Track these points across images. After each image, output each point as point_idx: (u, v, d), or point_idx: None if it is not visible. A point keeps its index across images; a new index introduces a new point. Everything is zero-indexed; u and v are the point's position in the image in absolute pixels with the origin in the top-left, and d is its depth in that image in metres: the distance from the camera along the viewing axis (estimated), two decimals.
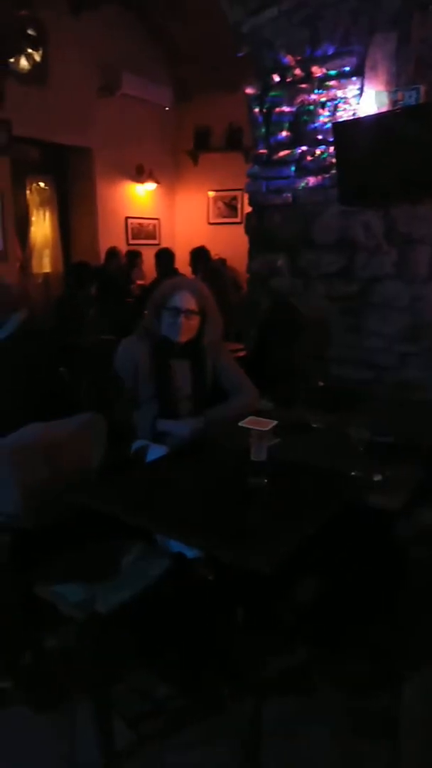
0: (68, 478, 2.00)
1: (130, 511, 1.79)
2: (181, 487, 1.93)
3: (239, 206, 7.72)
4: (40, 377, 2.17)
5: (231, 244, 7.46)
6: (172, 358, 2.63)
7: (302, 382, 2.80)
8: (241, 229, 7.43)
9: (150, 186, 7.71)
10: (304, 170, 3.11)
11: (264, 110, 3.12)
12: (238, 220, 7.73)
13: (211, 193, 7.93)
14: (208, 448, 2.22)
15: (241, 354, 3.52)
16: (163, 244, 7.62)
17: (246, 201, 7.30)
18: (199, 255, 6.41)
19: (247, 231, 3.42)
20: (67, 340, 2.55)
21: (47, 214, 7.10)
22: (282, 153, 3.17)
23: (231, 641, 2.06)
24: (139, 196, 7.74)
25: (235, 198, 7.75)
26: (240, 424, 1.86)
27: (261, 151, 3.24)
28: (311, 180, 3.08)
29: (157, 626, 2.09)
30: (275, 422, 1.85)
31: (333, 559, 2.11)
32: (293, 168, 3.14)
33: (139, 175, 7.58)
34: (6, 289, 2.36)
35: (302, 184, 3.13)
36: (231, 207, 7.82)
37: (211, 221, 8.01)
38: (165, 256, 6.54)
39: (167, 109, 7.59)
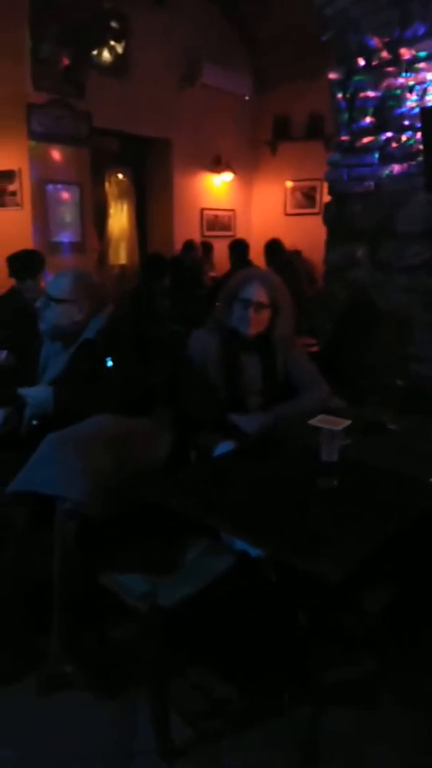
0: (135, 468, 2.00)
1: (195, 506, 1.77)
2: (248, 485, 1.89)
3: (318, 196, 7.56)
4: (125, 371, 2.18)
5: (308, 235, 7.32)
6: (242, 351, 2.59)
7: (379, 380, 2.69)
8: (318, 219, 7.29)
9: (227, 177, 7.68)
10: (388, 157, 2.98)
11: (347, 96, 3.01)
12: (316, 210, 7.57)
13: (289, 184, 7.81)
14: (277, 445, 2.17)
15: (314, 349, 3.43)
16: (239, 236, 7.56)
17: (325, 191, 7.28)
18: (273, 247, 6.33)
19: (326, 221, 3.33)
20: (141, 331, 2.55)
21: (124, 205, 7.21)
22: (365, 140, 3.05)
23: (293, 645, 2.01)
24: (216, 187, 7.72)
25: (313, 188, 7.60)
26: (310, 422, 1.80)
27: (343, 137, 3.13)
28: (396, 167, 2.95)
29: (218, 624, 2.06)
30: (348, 422, 1.78)
31: (405, 568, 2.02)
32: (377, 155, 3.02)
33: (216, 165, 7.56)
34: (96, 286, 2.39)
35: (386, 172, 3.00)
36: (309, 197, 7.67)
37: (288, 212, 7.89)
38: (239, 247, 6.49)
39: (247, 98, 7.52)
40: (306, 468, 1.88)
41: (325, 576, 1.40)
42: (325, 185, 7.11)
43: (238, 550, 1.98)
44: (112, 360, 2.21)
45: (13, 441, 2.28)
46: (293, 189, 7.81)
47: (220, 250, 7.22)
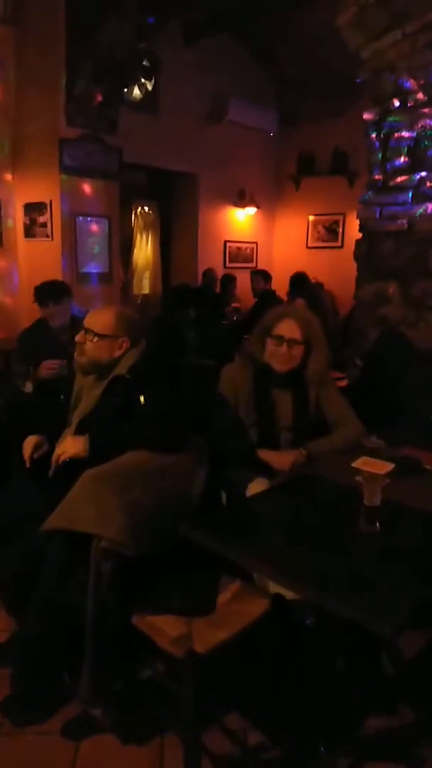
0: (172, 506, 1.97)
1: (231, 547, 1.72)
2: (284, 526, 1.84)
3: (340, 230, 7.61)
4: (158, 409, 2.15)
5: (330, 268, 7.38)
6: (274, 387, 2.57)
7: (412, 418, 2.64)
8: (340, 253, 7.43)
9: (250, 210, 7.76)
10: (422, 196, 2.98)
11: (381, 136, 3.03)
12: (338, 244, 7.62)
13: (311, 217, 7.87)
14: (312, 484, 2.12)
15: (343, 383, 3.39)
16: (261, 268, 7.62)
17: (348, 225, 7.36)
18: (299, 280, 6.35)
19: (357, 258, 3.32)
20: (172, 365, 2.54)
21: (150, 237, 7.30)
22: (399, 179, 3.05)
23: (330, 691, 1.94)
24: (239, 220, 7.80)
25: (336, 222, 7.65)
26: (353, 464, 1.76)
27: (376, 177, 3.14)
28: (430, 207, 2.94)
29: (253, 669, 2.00)
30: (391, 466, 1.74)
31: None
32: (410, 194, 3.02)
33: (241, 199, 7.65)
34: (136, 322, 2.39)
35: (419, 211, 2.99)
36: (331, 231, 7.72)
37: (310, 245, 7.94)
38: (263, 275, 6.56)
39: (272, 134, 7.63)
40: (344, 509, 1.83)
41: (378, 627, 1.34)
42: (348, 219, 7.31)
43: (273, 593, 1.93)
44: (145, 397, 2.19)
45: (46, 470, 2.26)
46: (315, 223, 7.86)
47: (244, 282, 7.27)
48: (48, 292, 3.60)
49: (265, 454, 2.43)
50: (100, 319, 2.29)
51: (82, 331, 2.27)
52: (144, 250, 7.28)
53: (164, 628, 1.80)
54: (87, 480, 1.86)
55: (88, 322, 2.29)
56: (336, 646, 1.96)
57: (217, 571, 1.97)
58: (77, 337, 2.27)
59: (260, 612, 1.88)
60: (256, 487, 2.16)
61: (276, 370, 2.53)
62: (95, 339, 2.25)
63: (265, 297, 6.35)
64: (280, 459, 2.41)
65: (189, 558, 1.93)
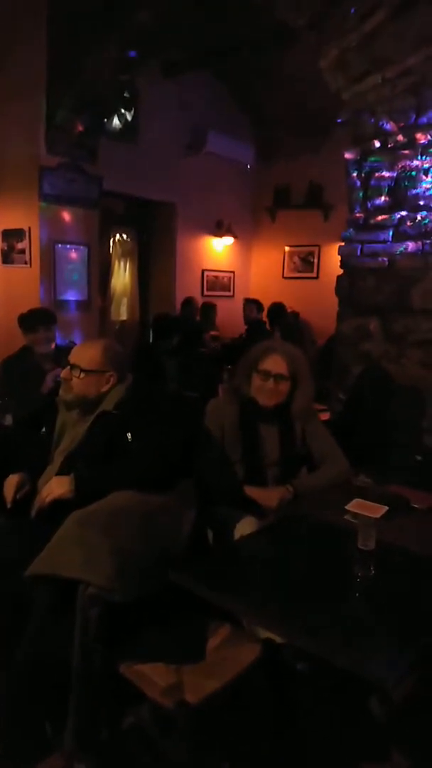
0: (159, 548, 1.91)
1: (221, 594, 1.67)
2: (276, 570, 1.80)
3: (315, 261, 7.71)
4: (146, 446, 2.10)
5: (305, 298, 7.46)
6: (260, 422, 2.54)
7: (397, 454, 2.64)
8: (315, 283, 7.52)
9: (228, 240, 7.82)
10: (402, 235, 3.02)
11: (362, 175, 3.08)
12: (313, 275, 7.72)
13: (287, 248, 7.97)
14: (301, 524, 2.08)
15: (325, 416, 3.39)
16: (238, 296, 7.66)
17: (323, 256, 7.46)
18: (277, 311, 6.40)
19: (338, 293, 3.34)
20: (157, 399, 2.49)
21: (127, 264, 7.29)
22: (380, 217, 3.10)
23: (323, 739, 1.88)
24: (216, 250, 7.85)
25: (311, 253, 7.75)
26: (347, 507, 1.73)
27: (357, 215, 3.18)
28: (410, 245, 2.99)
29: (245, 717, 1.93)
30: (385, 508, 1.72)
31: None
32: (391, 233, 3.06)
33: (218, 229, 7.71)
34: (123, 356, 2.34)
35: (400, 249, 3.03)
36: (307, 262, 7.82)
37: (286, 275, 8.02)
38: (256, 304, 6.60)
39: (249, 167, 7.74)
40: (336, 552, 1.80)
41: (378, 680, 1.30)
42: (324, 251, 7.41)
43: (263, 637, 1.88)
44: (132, 433, 2.13)
45: (28, 511, 2.19)
46: (291, 253, 7.96)
47: (221, 310, 7.29)
48: (38, 319, 3.58)
49: (252, 491, 2.39)
50: (86, 354, 2.23)
51: (68, 368, 2.21)
52: (122, 277, 7.26)
53: (153, 677, 1.74)
54: (72, 523, 1.79)
55: (73, 357, 2.23)
56: (329, 691, 1.91)
57: (205, 615, 1.92)
58: (63, 374, 2.21)
59: (252, 658, 1.83)
60: (245, 527, 2.11)
61: (262, 405, 2.52)
62: (82, 375, 2.19)
63: (256, 327, 6.38)
64: (267, 496, 2.38)
65: (176, 601, 1.87)
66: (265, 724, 1.85)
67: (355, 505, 1.72)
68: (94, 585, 1.71)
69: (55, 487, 2.05)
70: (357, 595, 1.63)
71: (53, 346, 3.57)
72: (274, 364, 2.51)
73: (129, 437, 2.10)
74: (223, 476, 2.41)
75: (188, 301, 7.01)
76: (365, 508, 1.69)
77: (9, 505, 2.18)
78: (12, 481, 2.23)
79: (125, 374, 2.30)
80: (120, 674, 1.79)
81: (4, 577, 1.96)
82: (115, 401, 2.20)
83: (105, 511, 1.85)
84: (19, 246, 5.30)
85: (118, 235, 7.16)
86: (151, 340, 5.19)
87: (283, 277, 8.04)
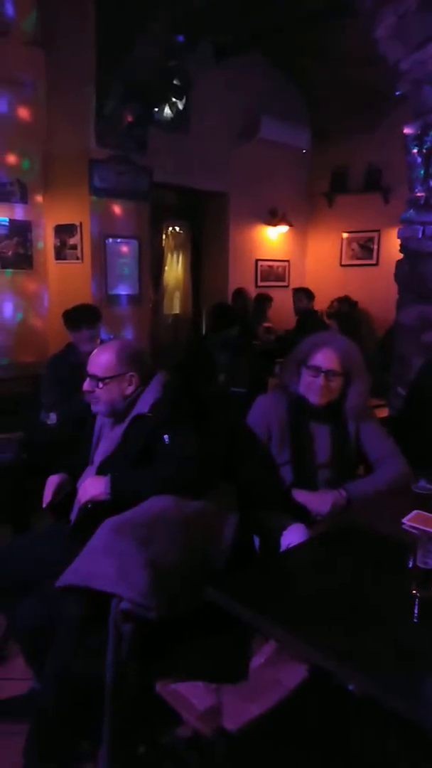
0: (197, 559, 1.79)
1: (261, 616, 1.53)
2: (324, 589, 1.64)
3: (375, 247, 7.40)
4: (185, 449, 1.99)
5: (364, 286, 7.18)
6: (310, 421, 2.38)
7: None
8: (376, 271, 7.21)
9: (282, 228, 7.61)
10: None
11: (423, 150, 2.83)
12: (373, 261, 7.41)
13: (345, 235, 7.67)
14: (354, 536, 1.91)
15: (384, 413, 3.18)
16: (293, 286, 7.45)
17: (383, 242, 7.14)
18: (343, 304, 6.14)
19: (397, 279, 3.11)
20: (198, 397, 2.36)
21: (180, 257, 7.21)
22: None
23: None
24: (271, 239, 7.65)
25: (370, 239, 7.44)
26: (404, 520, 1.55)
27: (418, 194, 2.94)
28: None
29: (294, 748, 1.79)
30: None
31: None
32: None
33: (272, 218, 7.51)
34: (140, 353, 2.23)
35: None
36: (366, 248, 7.51)
37: (344, 263, 7.73)
38: (306, 293, 6.38)
39: (304, 151, 7.48)
40: (392, 569, 1.63)
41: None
42: (384, 236, 7.10)
43: None
44: (170, 436, 2.02)
45: (67, 513, 2.12)
46: (349, 240, 7.67)
47: (275, 301, 7.11)
48: (81, 316, 3.51)
49: (302, 496, 2.24)
50: (99, 362, 2.14)
51: (88, 380, 2.13)
52: (174, 270, 7.18)
53: (191, 699, 1.62)
54: (106, 532, 1.69)
55: (90, 367, 2.15)
56: (385, 719, 1.74)
57: (248, 632, 1.78)
58: (85, 387, 2.13)
59: (297, 681, 1.68)
60: (292, 536, 1.95)
61: (312, 403, 2.35)
62: (101, 384, 2.10)
63: (307, 317, 6.15)
64: (318, 501, 2.22)
65: (217, 615, 1.74)
66: (311, 756, 1.70)
67: (414, 518, 1.54)
68: (128, 600, 1.60)
69: (91, 488, 1.98)
70: (414, 620, 1.45)
71: (98, 342, 3.50)
72: (325, 359, 2.34)
73: (166, 439, 1.99)
74: (269, 479, 2.26)
75: (239, 293, 6.85)
76: (426, 521, 1.51)
77: (44, 505, 2.12)
78: (52, 482, 2.18)
79: (149, 372, 2.19)
80: (156, 693, 1.69)
81: (41, 583, 1.89)
82: (151, 402, 2.10)
83: (141, 519, 1.74)
84: (71, 241, 5.29)
85: (169, 228, 7.08)
86: (205, 333, 5.06)
87: (340, 265, 7.76)
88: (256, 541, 2.19)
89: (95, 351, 2.20)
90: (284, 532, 2.03)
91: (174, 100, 6.29)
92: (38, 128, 5.26)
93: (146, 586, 1.61)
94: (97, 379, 2.10)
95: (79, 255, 5.23)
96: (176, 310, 7.24)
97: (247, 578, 1.70)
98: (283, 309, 7.15)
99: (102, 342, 3.60)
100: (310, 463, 2.36)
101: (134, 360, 2.16)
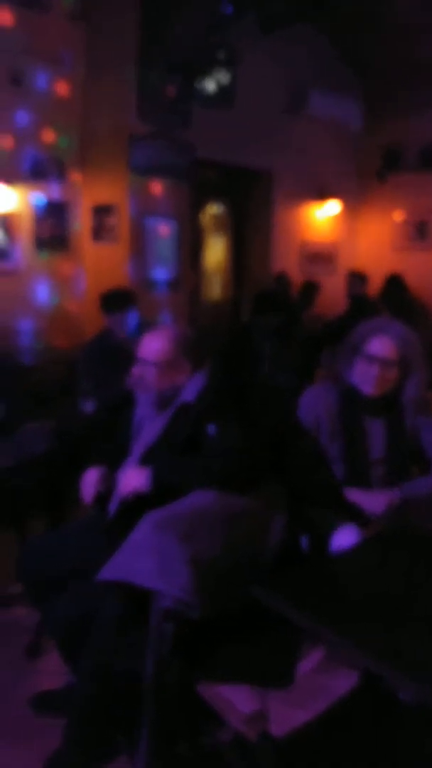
0: (243, 557, 1.78)
1: (314, 617, 1.51)
2: (379, 593, 1.61)
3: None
4: (231, 441, 1.98)
5: (419, 271, 7.01)
6: (363, 414, 2.34)
7: None
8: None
9: (330, 209, 7.50)
10: None
11: None
12: (429, 245, 7.26)
13: (399, 217, 7.52)
14: (409, 538, 1.87)
15: None
16: (341, 271, 7.34)
17: None
18: (394, 285, 6.00)
19: None
20: (245, 386, 2.35)
21: (221, 239, 7.17)
22: None
23: None
24: (318, 220, 7.55)
25: (426, 222, 7.28)
26: None
27: None
28: None
29: (342, 757, 1.78)
30: None
31: None
32: None
33: (320, 197, 7.40)
34: (194, 342, 2.24)
35: None
36: (422, 231, 7.35)
37: (397, 246, 7.58)
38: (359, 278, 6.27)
39: (355, 128, 7.34)
40: None
41: None
42: None
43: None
44: (215, 427, 2.01)
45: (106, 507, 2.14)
46: (403, 222, 7.51)
47: (322, 286, 7.01)
48: (115, 301, 3.56)
49: (354, 494, 2.20)
50: (153, 346, 2.15)
51: (138, 364, 2.14)
52: (215, 252, 7.15)
53: (235, 702, 1.62)
54: (148, 526, 1.70)
55: (142, 351, 2.16)
56: None
57: (296, 635, 1.77)
58: (134, 371, 2.14)
59: (347, 687, 1.66)
60: (344, 538, 1.92)
61: (366, 394, 2.31)
62: (152, 369, 2.11)
63: (360, 303, 6.05)
64: (372, 500, 2.18)
65: (263, 616, 1.73)
66: (360, 766, 1.68)
67: None
68: (170, 597, 1.61)
69: (132, 480, 1.99)
70: None
71: (134, 326, 3.53)
72: (382, 347, 2.29)
73: (211, 430, 1.99)
74: (320, 476, 2.23)
75: (281, 277, 6.78)
76: None
77: (88, 500, 2.14)
78: (92, 475, 2.19)
79: (201, 361, 2.19)
80: (198, 692, 1.69)
81: (78, 579, 1.91)
82: (196, 391, 2.10)
83: (183, 514, 1.74)
84: (109, 222, 5.32)
85: (210, 208, 7.04)
86: (248, 320, 5.02)
87: (393, 248, 7.62)
88: (305, 540, 2.17)
89: (148, 335, 2.21)
90: (335, 533, 2.00)
91: (218, 74, 6.25)
92: (76, 104, 5.28)
93: (189, 583, 1.61)
94: (149, 364, 2.11)
95: (117, 236, 5.25)
96: (216, 294, 7.22)
97: (296, 578, 1.69)
98: (331, 295, 7.06)
99: (145, 326, 3.62)
100: (363, 458, 2.32)
101: (188, 348, 2.18)
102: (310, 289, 6.73)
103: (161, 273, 5.44)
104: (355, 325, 2.43)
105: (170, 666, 1.65)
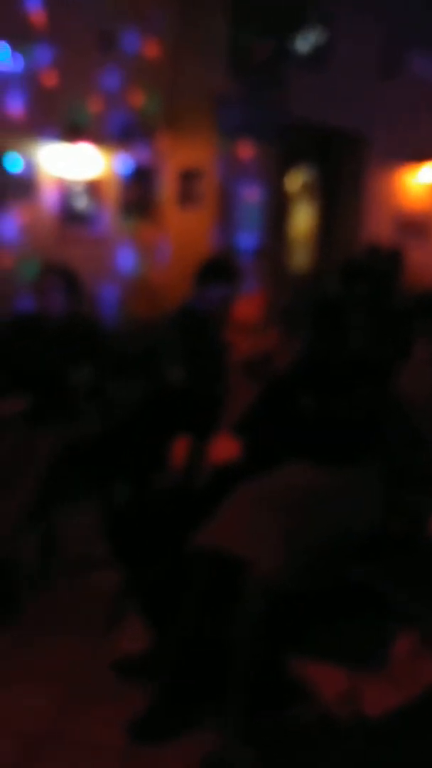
0: (338, 534, 1.76)
1: (417, 599, 1.48)
2: None
3: None
4: (327, 413, 1.95)
5: None
6: None
7: None
8: None
9: (427, 175, 7.16)
10: None
11: None
12: None
13: None
14: None
15: None
16: None
17: None
18: None
19: None
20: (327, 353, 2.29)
21: (309, 206, 7.02)
22: None
23: None
24: (414, 186, 7.23)
25: None
26: None
27: None
28: None
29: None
30: None
31: None
32: None
33: (418, 163, 7.08)
34: (287, 309, 2.22)
35: None
36: None
37: None
38: None
39: None
40: None
41: None
42: None
43: None
44: (308, 398, 1.98)
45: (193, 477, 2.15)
46: None
47: (418, 256, 6.74)
48: (210, 273, 3.49)
49: None
50: (245, 311, 2.14)
51: (229, 331, 2.13)
52: (303, 220, 7.01)
53: (327, 680, 1.61)
54: (243, 497, 1.70)
55: (234, 316, 2.15)
56: None
57: (392, 619, 1.74)
58: (224, 336, 2.14)
59: None
60: None
61: None
62: (244, 335, 2.09)
63: None
64: None
65: (357, 598, 1.71)
66: None
67: None
68: (262, 570, 1.61)
69: (223, 450, 1.99)
70: None
71: (225, 298, 3.48)
72: None
73: (304, 402, 1.96)
74: (417, 456, 2.17)
75: (375, 247, 6.57)
76: None
77: (180, 472, 2.16)
78: (180, 446, 2.20)
79: (295, 330, 2.15)
80: (285, 668, 1.70)
81: (165, 548, 1.95)
82: (288, 361, 2.07)
83: (277, 487, 1.73)
84: (196, 187, 5.28)
85: (299, 172, 6.89)
86: (336, 291, 4.90)
87: None
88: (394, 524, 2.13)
89: (242, 299, 2.20)
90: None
91: (312, 33, 6.05)
92: (166, 65, 5.23)
93: (282, 557, 1.61)
94: (240, 328, 2.10)
95: (203, 202, 5.21)
96: (303, 263, 7.10)
97: (393, 560, 1.66)
98: (427, 264, 6.78)
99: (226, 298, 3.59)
100: None
101: (282, 316, 2.16)
102: (397, 256, 6.50)
103: (247, 240, 5.37)
104: None
105: (260, 638, 1.66)
